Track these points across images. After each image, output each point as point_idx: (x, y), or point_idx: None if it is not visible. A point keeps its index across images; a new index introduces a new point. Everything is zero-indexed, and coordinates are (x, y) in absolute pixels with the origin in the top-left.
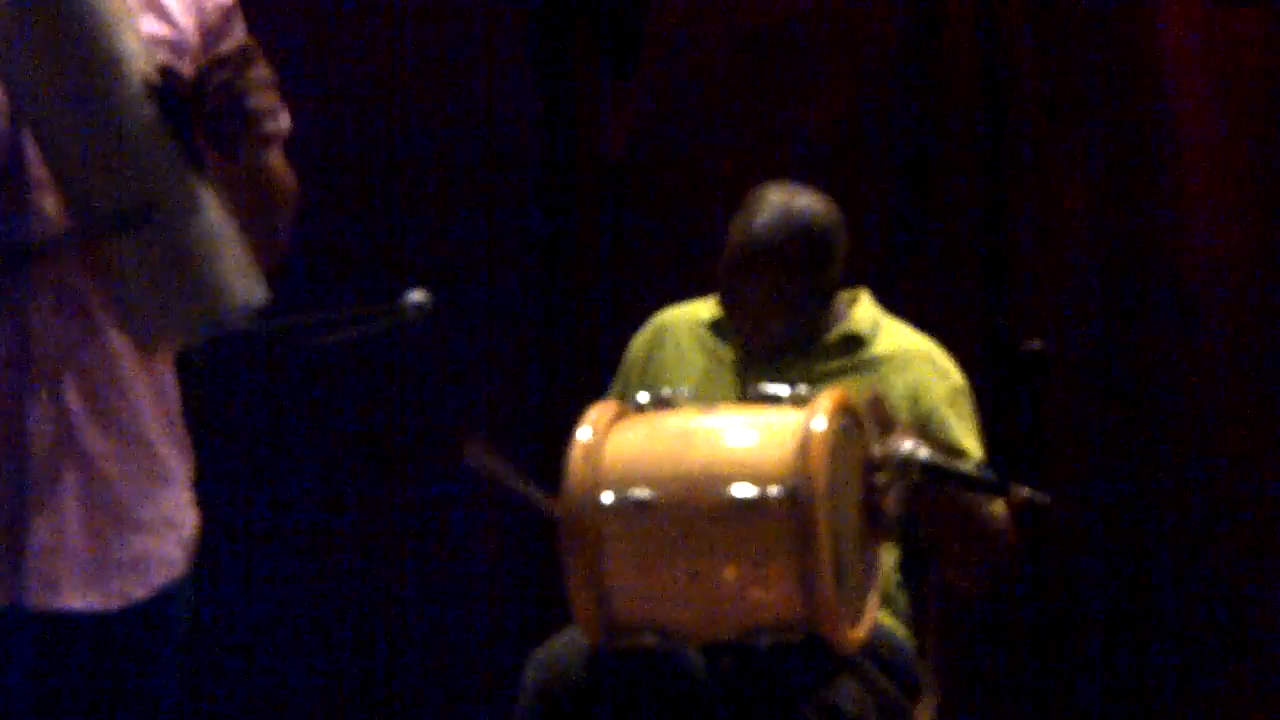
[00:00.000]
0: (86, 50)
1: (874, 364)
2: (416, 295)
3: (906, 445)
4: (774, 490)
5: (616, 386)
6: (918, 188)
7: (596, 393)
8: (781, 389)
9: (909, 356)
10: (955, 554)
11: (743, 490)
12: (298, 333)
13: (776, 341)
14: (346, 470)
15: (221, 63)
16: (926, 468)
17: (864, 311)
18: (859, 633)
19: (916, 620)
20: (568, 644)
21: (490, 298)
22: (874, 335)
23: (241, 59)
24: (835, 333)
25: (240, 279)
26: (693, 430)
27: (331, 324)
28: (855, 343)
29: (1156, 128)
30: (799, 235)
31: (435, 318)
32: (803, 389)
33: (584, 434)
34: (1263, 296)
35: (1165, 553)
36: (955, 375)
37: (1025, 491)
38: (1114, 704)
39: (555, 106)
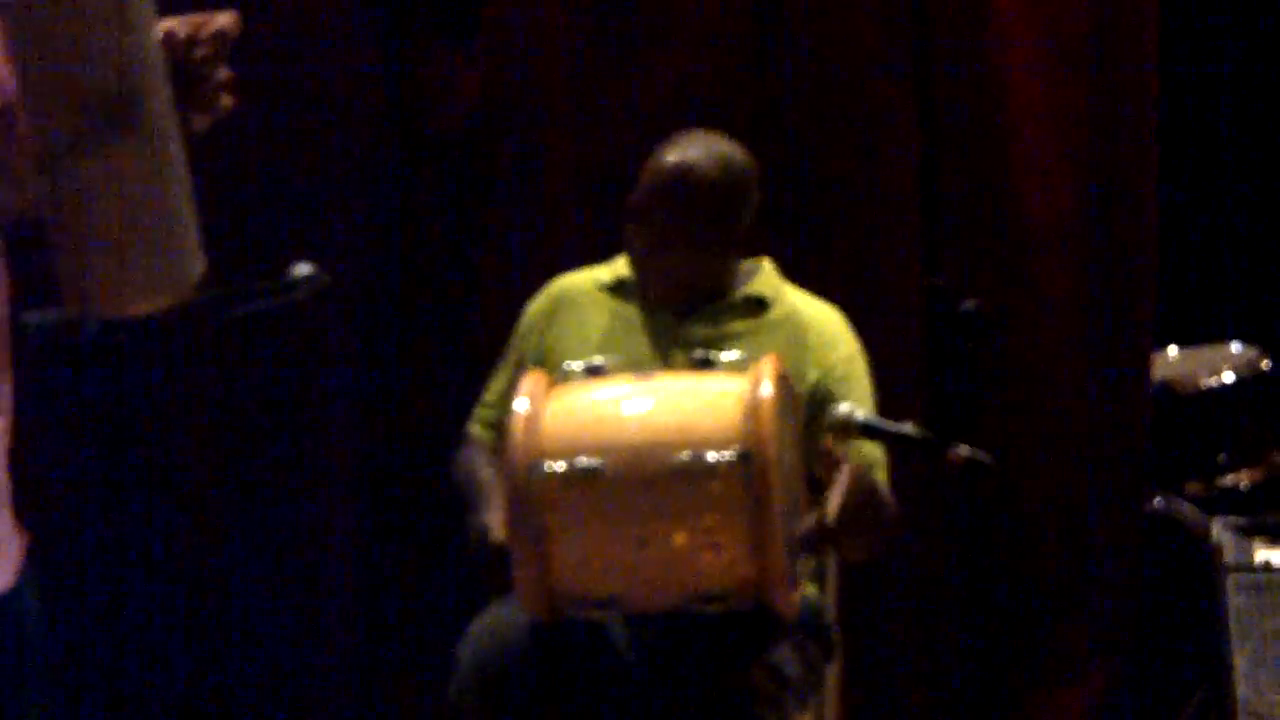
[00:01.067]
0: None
1: (775, 326)
2: (304, 268)
3: (843, 407)
4: (725, 455)
5: (512, 356)
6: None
7: (447, 367)
8: (721, 355)
9: (809, 321)
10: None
11: (692, 455)
12: (198, 308)
13: (683, 285)
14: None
15: (210, 35)
16: (865, 428)
17: (767, 277)
18: (798, 596)
19: (820, 582)
20: (505, 618)
21: (339, 270)
22: (776, 299)
23: (226, 35)
24: (738, 294)
25: (198, 249)
26: (635, 397)
27: (228, 299)
28: (758, 304)
29: (984, 77)
30: (721, 167)
31: (324, 291)
32: (737, 355)
33: (521, 404)
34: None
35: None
36: (852, 341)
37: (965, 450)
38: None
39: (398, 74)
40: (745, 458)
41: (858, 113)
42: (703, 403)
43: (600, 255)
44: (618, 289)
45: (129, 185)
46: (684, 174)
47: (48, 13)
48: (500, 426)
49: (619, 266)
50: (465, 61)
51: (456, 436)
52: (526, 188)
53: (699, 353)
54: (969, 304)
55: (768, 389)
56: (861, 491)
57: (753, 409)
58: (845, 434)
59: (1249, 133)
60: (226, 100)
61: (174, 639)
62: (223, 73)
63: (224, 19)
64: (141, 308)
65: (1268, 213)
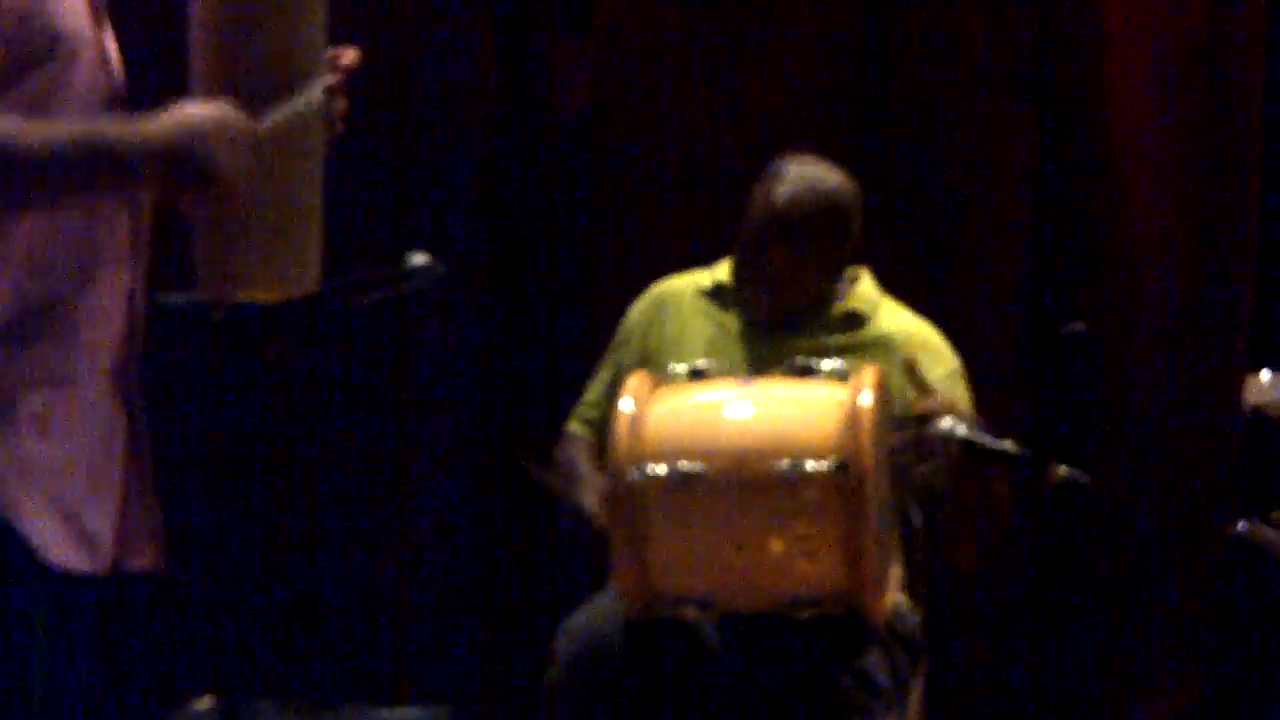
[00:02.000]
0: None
1: (874, 342)
2: (420, 257)
3: (946, 422)
4: (823, 464)
5: (613, 356)
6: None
7: (554, 359)
8: (822, 363)
9: (907, 337)
10: (963, 532)
11: (791, 463)
12: (322, 295)
13: (787, 312)
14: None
15: (341, 66)
16: (967, 444)
17: (865, 290)
18: (888, 604)
19: (910, 589)
20: (600, 612)
21: (449, 260)
22: (874, 314)
23: (351, 68)
24: (838, 309)
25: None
26: (737, 402)
27: (351, 287)
28: (856, 320)
29: (1096, 104)
30: (824, 208)
31: (440, 280)
32: (838, 364)
33: (626, 405)
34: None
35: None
36: (951, 357)
37: (1064, 470)
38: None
39: (514, 65)
40: (843, 467)
41: (969, 125)
42: (803, 410)
43: (706, 251)
44: (717, 295)
45: (278, 179)
46: (788, 216)
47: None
48: (599, 426)
49: (720, 271)
50: (579, 56)
51: (558, 431)
52: (636, 181)
53: (800, 359)
54: (1075, 326)
55: (868, 398)
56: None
57: (852, 418)
58: (947, 450)
59: None
60: (340, 126)
61: (271, 607)
62: (342, 101)
63: (351, 54)
64: (275, 297)
65: None
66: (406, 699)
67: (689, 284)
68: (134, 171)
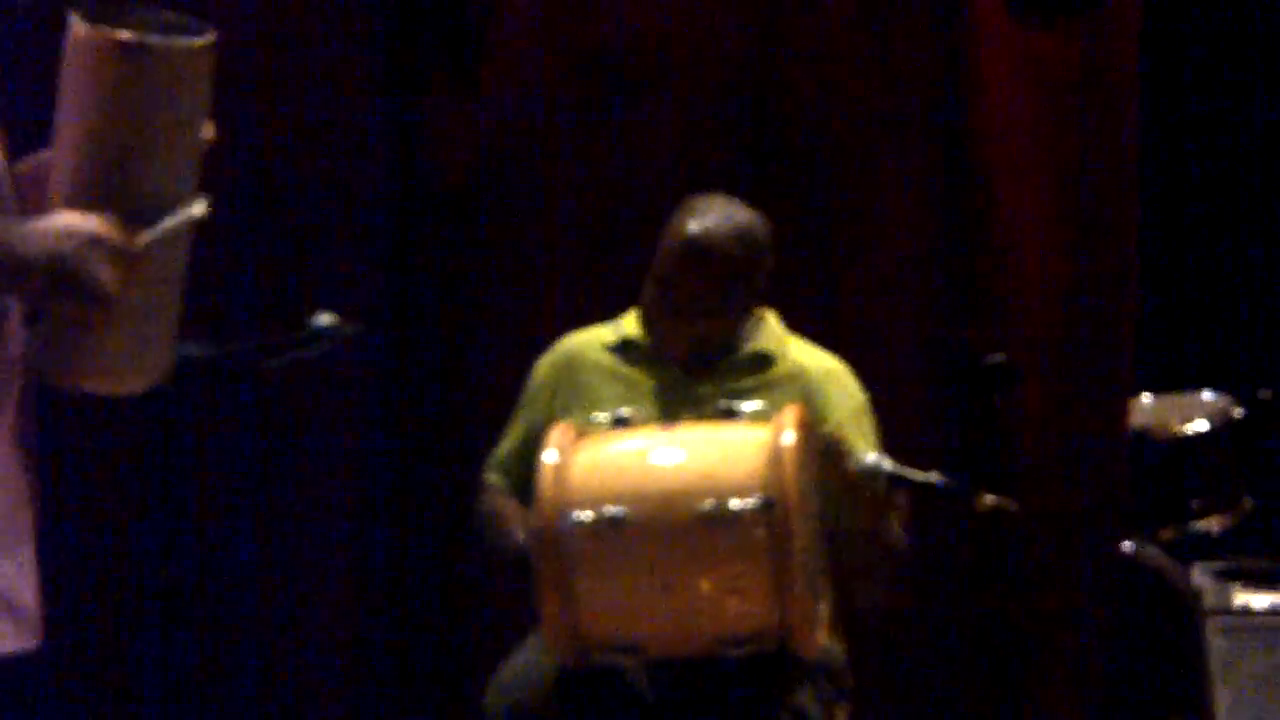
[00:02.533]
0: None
1: (782, 381)
2: (325, 317)
3: (871, 457)
4: (749, 502)
5: (524, 411)
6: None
7: (449, 413)
8: (743, 405)
9: (815, 374)
10: (864, 569)
11: (715, 503)
12: (237, 359)
13: (701, 347)
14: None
15: None
16: (893, 477)
17: (771, 330)
18: (820, 639)
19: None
20: (531, 664)
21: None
22: (782, 353)
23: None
24: (746, 350)
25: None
26: (660, 446)
27: (264, 350)
28: (765, 360)
29: (976, 140)
30: (737, 239)
31: (352, 339)
32: (759, 405)
33: (550, 456)
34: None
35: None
36: (858, 393)
37: (991, 499)
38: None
39: (401, 125)
40: (768, 505)
41: (851, 168)
42: (727, 451)
43: (598, 307)
44: (624, 350)
45: (144, 288)
46: (704, 244)
47: (150, 71)
48: (515, 480)
49: (623, 326)
50: (465, 114)
51: (458, 484)
52: (525, 239)
53: (722, 403)
54: (995, 358)
55: (790, 437)
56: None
57: (775, 457)
58: (874, 482)
59: (1223, 188)
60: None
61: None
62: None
63: (208, 129)
64: (124, 391)
65: (1240, 268)
66: None
67: (594, 339)
68: (11, 276)
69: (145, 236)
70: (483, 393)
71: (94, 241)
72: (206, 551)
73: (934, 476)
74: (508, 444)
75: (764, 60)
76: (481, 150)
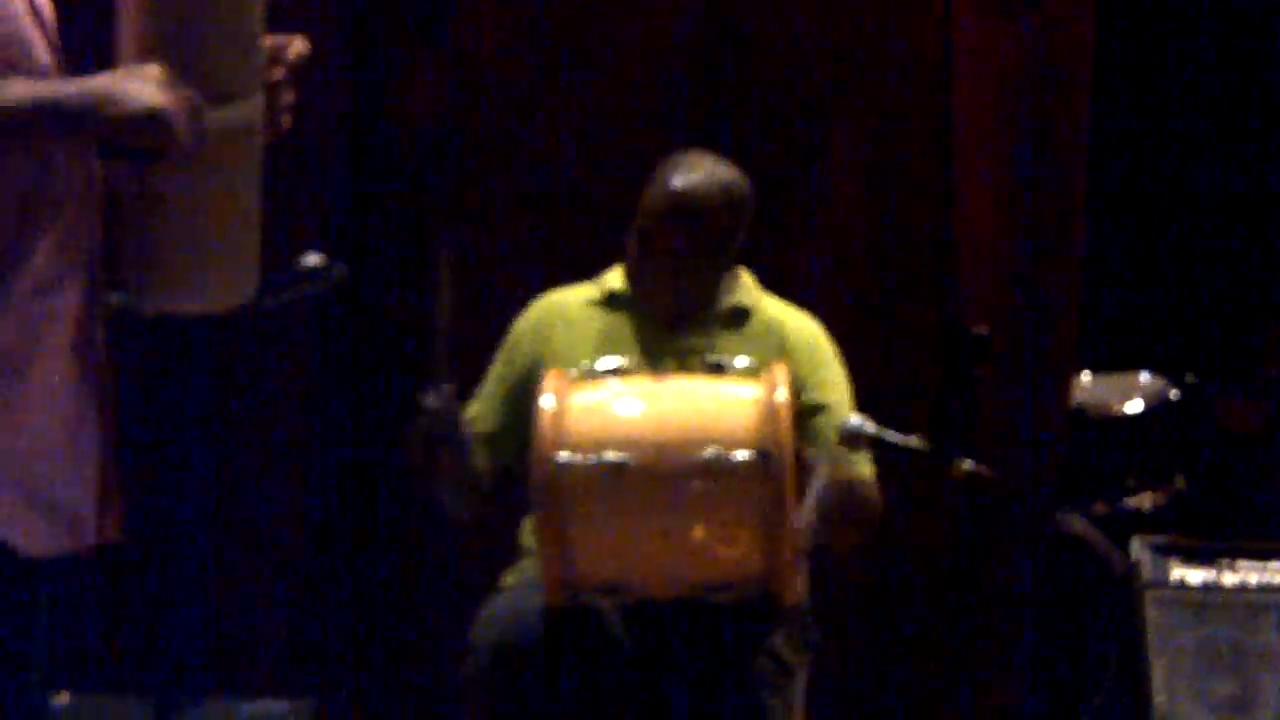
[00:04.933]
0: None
1: (760, 334)
2: (314, 257)
3: (854, 419)
4: (744, 454)
5: (500, 368)
6: None
7: (404, 367)
8: (734, 360)
9: (792, 329)
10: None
11: (715, 453)
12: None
13: (685, 300)
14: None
15: (289, 59)
16: (875, 439)
17: (747, 286)
18: (798, 587)
19: None
20: (519, 602)
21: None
22: (758, 308)
23: (301, 61)
24: (723, 305)
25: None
26: (656, 396)
27: (263, 291)
28: (742, 314)
29: (939, 127)
30: (720, 193)
31: (344, 280)
32: (749, 361)
33: (548, 400)
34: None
35: None
36: (830, 347)
37: (968, 464)
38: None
39: (369, 80)
40: (764, 456)
41: (809, 142)
42: (721, 405)
43: (554, 263)
44: (608, 302)
45: (217, 191)
46: (688, 199)
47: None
48: (486, 438)
49: (606, 282)
50: (426, 70)
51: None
52: (484, 196)
53: (710, 357)
54: (978, 330)
55: (783, 394)
56: (840, 489)
57: (770, 411)
58: (855, 444)
59: (1168, 179)
60: (287, 120)
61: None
62: (290, 95)
63: (300, 44)
64: (214, 309)
65: (1179, 257)
66: (269, 693)
67: (575, 296)
68: (82, 109)
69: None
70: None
71: (145, 74)
72: (154, 504)
73: (914, 440)
74: (481, 399)
75: (723, 29)
76: (442, 106)
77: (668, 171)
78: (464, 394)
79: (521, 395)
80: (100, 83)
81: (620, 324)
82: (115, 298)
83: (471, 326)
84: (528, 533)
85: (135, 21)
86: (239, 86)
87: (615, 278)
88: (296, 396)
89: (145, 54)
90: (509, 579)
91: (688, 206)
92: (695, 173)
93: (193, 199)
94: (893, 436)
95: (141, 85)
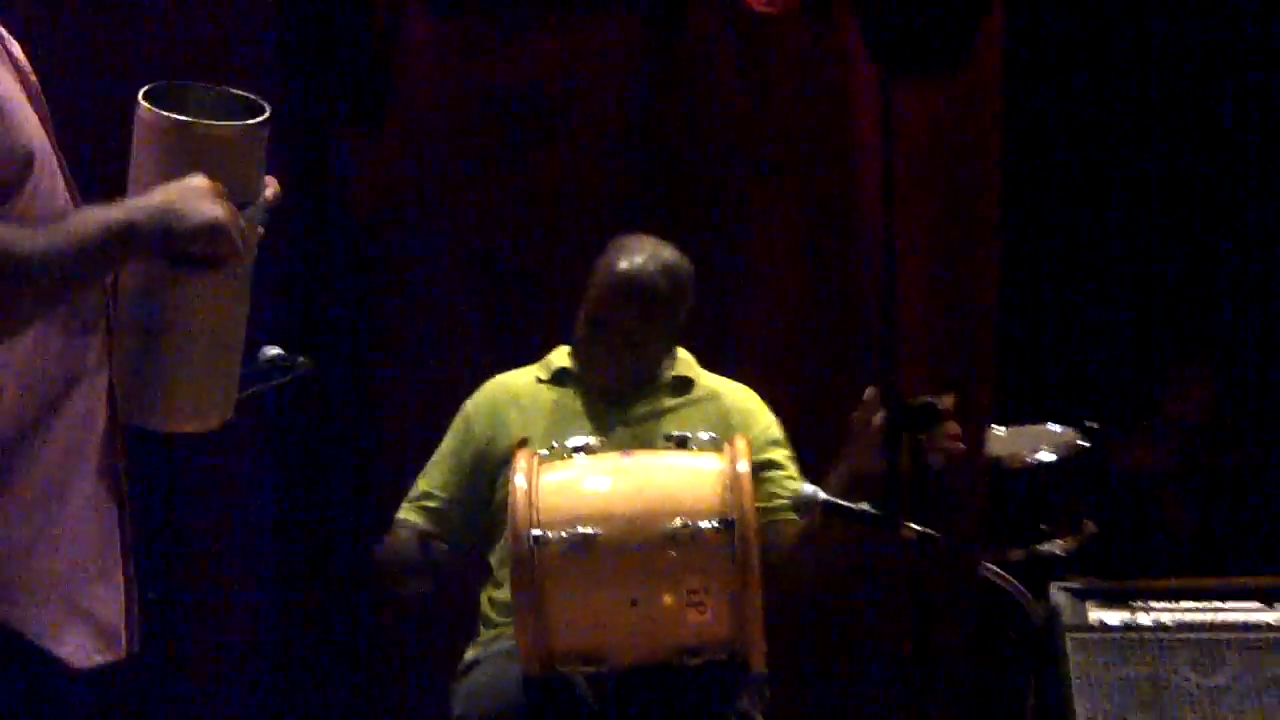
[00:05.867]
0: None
1: (702, 402)
2: (271, 350)
3: (807, 488)
4: (710, 524)
5: (452, 446)
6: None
7: (353, 440)
8: (697, 434)
9: (731, 398)
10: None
11: (682, 523)
12: None
13: (632, 376)
14: None
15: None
16: (828, 506)
17: (685, 358)
18: (764, 648)
19: None
20: (498, 671)
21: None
22: (697, 379)
23: (271, 202)
24: (667, 376)
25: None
26: (623, 471)
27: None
28: (685, 383)
29: (850, 187)
30: (666, 275)
31: (309, 372)
32: (712, 435)
33: (520, 480)
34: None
35: None
36: (770, 414)
37: (915, 528)
38: None
39: (309, 161)
40: (729, 524)
41: (740, 212)
42: (686, 477)
43: (496, 340)
44: (555, 379)
45: (217, 316)
46: (634, 280)
47: (201, 147)
48: (437, 514)
49: (552, 362)
50: (371, 152)
51: (361, 515)
52: (427, 274)
53: (675, 433)
54: (921, 398)
55: (745, 465)
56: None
57: (733, 482)
58: (809, 512)
59: (1077, 240)
60: (253, 253)
61: None
62: (261, 229)
63: (274, 186)
64: (198, 430)
65: (1080, 313)
66: None
67: (523, 377)
68: (153, 231)
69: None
70: (387, 422)
71: (201, 189)
72: None
73: (865, 506)
74: (432, 477)
75: (656, 110)
76: (387, 187)
77: (613, 255)
78: (411, 468)
79: (474, 472)
80: (162, 201)
81: (570, 398)
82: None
83: (415, 398)
84: (487, 603)
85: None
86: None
87: (560, 357)
88: (248, 487)
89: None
90: (473, 651)
91: (634, 287)
92: (639, 255)
93: (196, 327)
94: (845, 503)
95: (200, 199)
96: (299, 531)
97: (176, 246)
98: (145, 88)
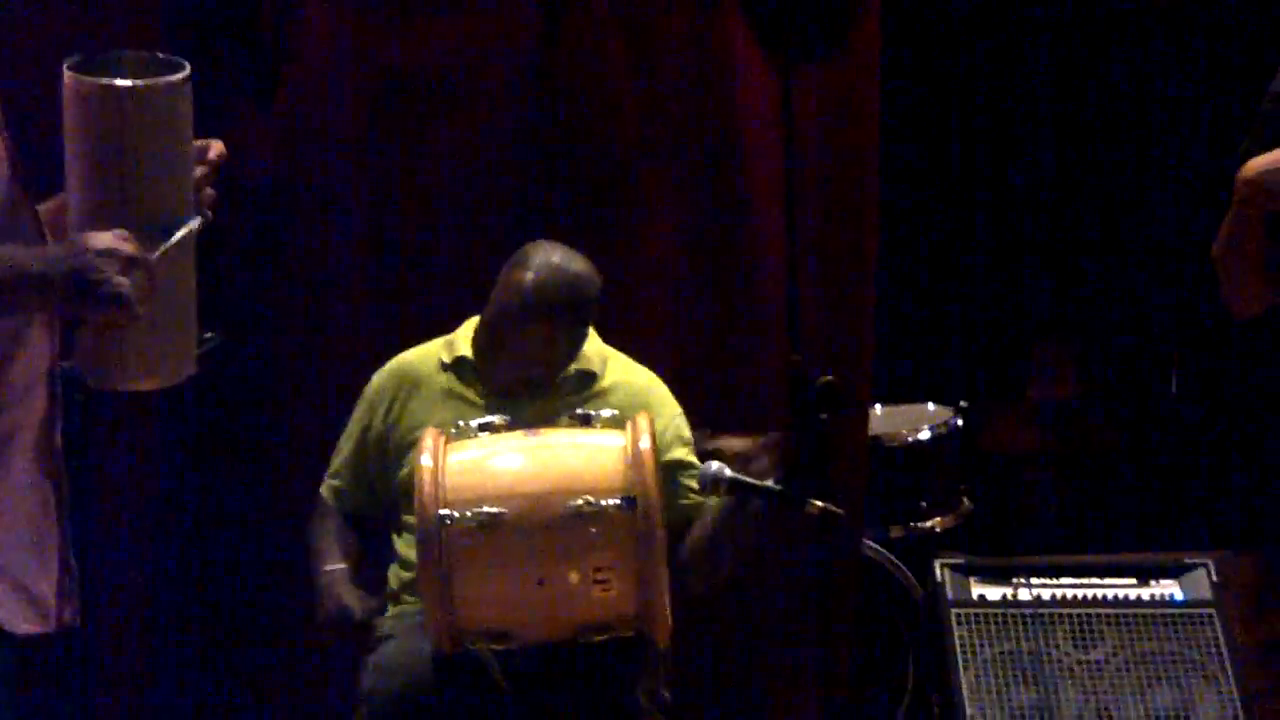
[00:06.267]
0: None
1: (606, 395)
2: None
3: (713, 466)
4: (613, 501)
5: (358, 427)
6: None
7: (245, 416)
8: (600, 412)
9: (634, 388)
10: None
11: (585, 501)
12: None
13: (529, 382)
14: None
15: (209, 159)
16: (734, 484)
17: (593, 347)
18: (669, 625)
19: None
20: (408, 649)
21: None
22: (603, 370)
23: (219, 161)
24: (570, 372)
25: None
26: (529, 450)
27: None
28: (588, 378)
29: (733, 172)
30: (570, 291)
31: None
32: (614, 412)
33: (426, 460)
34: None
35: None
36: (674, 402)
37: (819, 505)
38: None
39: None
40: (631, 502)
41: (626, 188)
42: (590, 454)
43: (387, 316)
44: (457, 368)
45: (161, 293)
46: (536, 298)
47: (127, 108)
48: (346, 496)
49: (458, 345)
50: (262, 126)
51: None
52: (319, 250)
53: (579, 411)
54: (825, 379)
55: (646, 442)
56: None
57: (636, 459)
58: (715, 490)
59: (953, 219)
60: (210, 216)
61: None
62: (210, 191)
63: (219, 146)
64: (156, 387)
65: (958, 295)
66: None
67: (429, 356)
68: (39, 293)
69: (158, 249)
70: (279, 396)
71: (109, 253)
72: None
73: (770, 484)
74: (340, 456)
75: (545, 87)
76: (277, 162)
77: (519, 269)
78: (319, 449)
79: (378, 454)
80: (78, 265)
81: (469, 393)
82: (61, 367)
83: (313, 375)
84: (395, 577)
85: (81, 170)
86: (183, 209)
87: (466, 339)
88: (148, 449)
89: (95, 198)
90: (384, 624)
91: (538, 308)
92: (544, 271)
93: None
94: (750, 481)
95: (111, 265)
96: (205, 506)
97: (82, 312)
98: (70, 59)
